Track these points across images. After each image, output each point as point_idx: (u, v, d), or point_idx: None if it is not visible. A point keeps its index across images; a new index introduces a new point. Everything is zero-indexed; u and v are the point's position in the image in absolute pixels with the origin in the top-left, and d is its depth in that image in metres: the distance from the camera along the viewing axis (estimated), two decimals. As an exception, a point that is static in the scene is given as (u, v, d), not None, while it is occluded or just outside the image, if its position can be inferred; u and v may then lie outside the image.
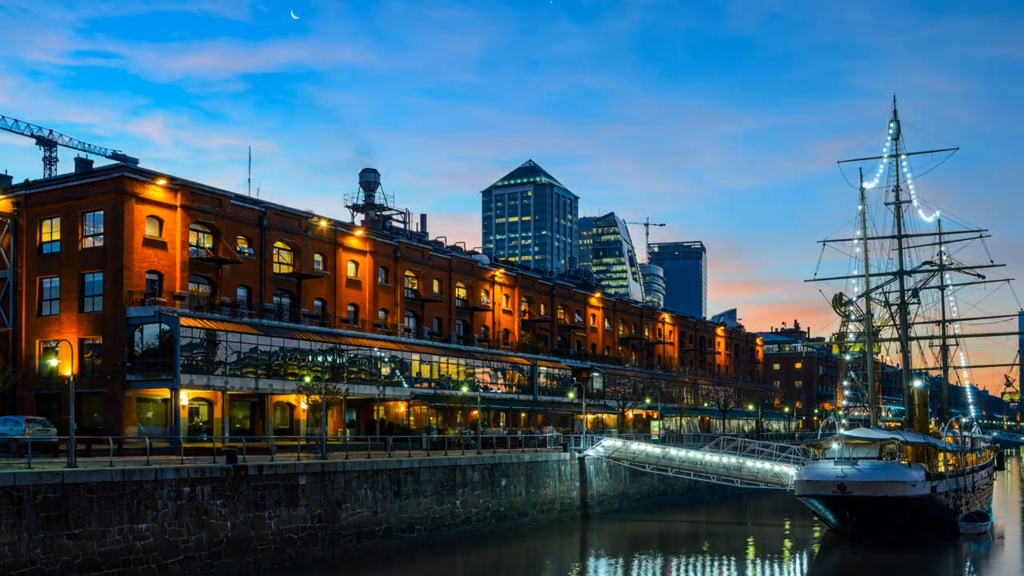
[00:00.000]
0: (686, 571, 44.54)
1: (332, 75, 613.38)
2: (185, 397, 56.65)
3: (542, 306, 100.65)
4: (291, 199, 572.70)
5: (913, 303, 69.02)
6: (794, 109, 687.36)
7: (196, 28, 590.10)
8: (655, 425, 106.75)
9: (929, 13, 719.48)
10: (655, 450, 66.23)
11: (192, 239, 61.40)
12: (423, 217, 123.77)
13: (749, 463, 60.66)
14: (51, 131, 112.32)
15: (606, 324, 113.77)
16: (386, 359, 70.76)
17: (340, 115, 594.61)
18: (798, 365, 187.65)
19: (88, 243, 58.51)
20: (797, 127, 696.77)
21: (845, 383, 73.02)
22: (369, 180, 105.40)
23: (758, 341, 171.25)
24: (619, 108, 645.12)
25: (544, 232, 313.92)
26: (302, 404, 63.30)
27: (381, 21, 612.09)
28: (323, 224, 70.57)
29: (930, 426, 68.78)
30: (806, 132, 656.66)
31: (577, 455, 63.20)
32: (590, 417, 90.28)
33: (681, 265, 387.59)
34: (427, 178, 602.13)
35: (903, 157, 67.14)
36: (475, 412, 74.21)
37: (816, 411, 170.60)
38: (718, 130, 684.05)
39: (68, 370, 47.93)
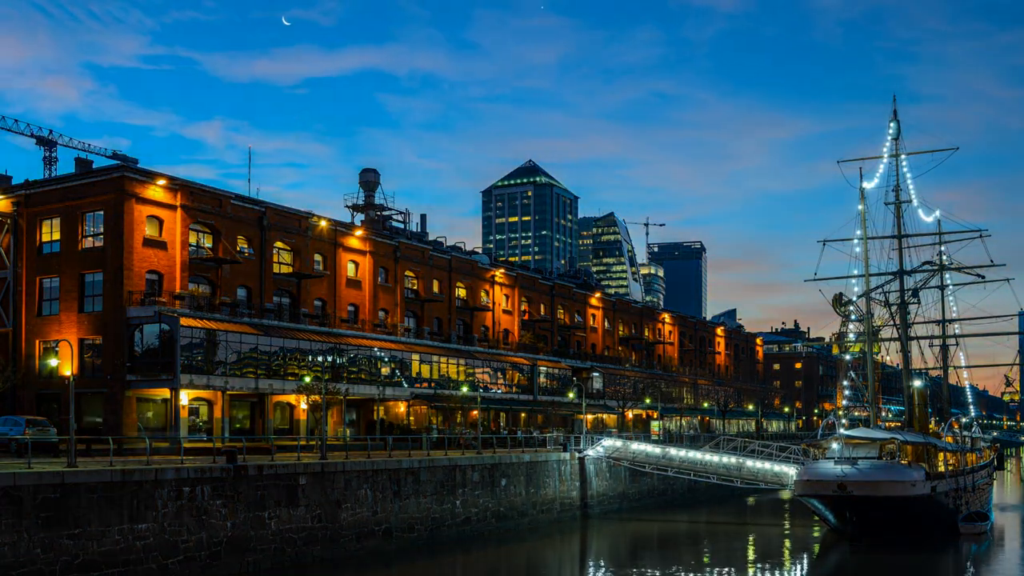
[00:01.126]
0: (686, 571, 44.52)
1: (404, 81, 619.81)
2: (185, 397, 56.64)
3: (542, 306, 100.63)
4: (334, 202, 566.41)
5: (913, 303, 69.04)
6: (849, 114, 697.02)
7: (279, 35, 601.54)
8: (655, 425, 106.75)
9: (1002, 21, 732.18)
10: (655, 450, 66.23)
11: (192, 239, 61.38)
12: (423, 217, 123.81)
13: (749, 463, 60.65)
14: (51, 131, 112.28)
15: (606, 324, 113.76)
16: (386, 359, 70.77)
17: (403, 120, 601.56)
18: (798, 365, 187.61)
19: (88, 243, 58.49)
20: (848, 132, 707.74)
21: (845, 383, 73.02)
22: (369, 180, 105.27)
23: (758, 341, 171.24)
24: (681, 113, 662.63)
25: (544, 232, 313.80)
26: (302, 404, 63.30)
27: (467, 30, 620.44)
28: (323, 224, 70.57)
29: (930, 426, 68.79)
30: (856, 137, 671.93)
31: (577, 455, 63.20)
32: (590, 417, 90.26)
33: (681, 265, 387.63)
34: (478, 181, 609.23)
35: (903, 157, 67.24)
36: (475, 412, 74.20)
37: (816, 411, 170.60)
38: (767, 134, 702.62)
39: (68, 370, 47.92)
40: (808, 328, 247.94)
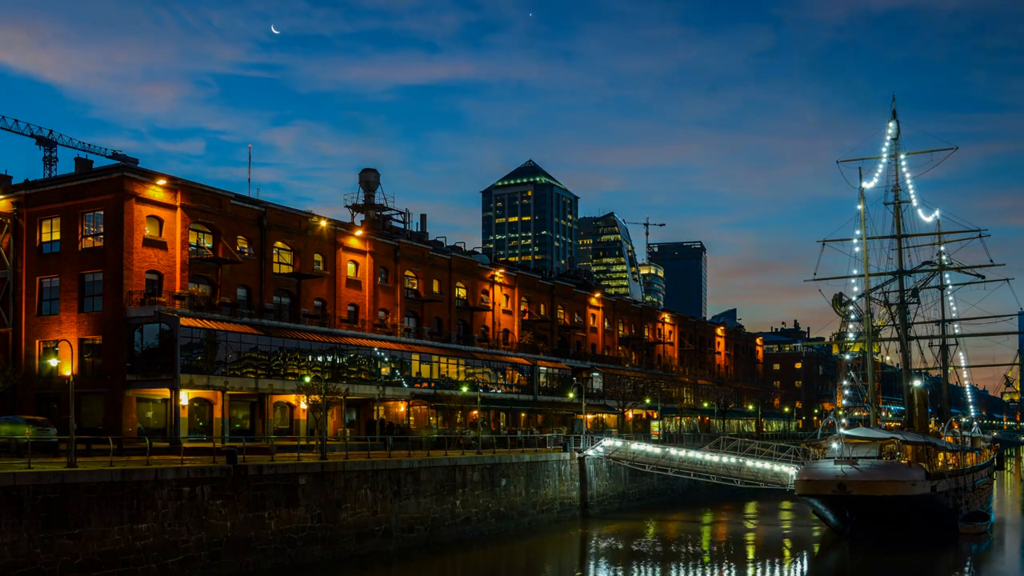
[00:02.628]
0: (686, 571, 44.54)
1: (495, 89, 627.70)
2: (185, 397, 56.64)
3: (542, 306, 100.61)
4: (399, 205, 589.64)
5: (913, 303, 69.04)
6: (916, 121, 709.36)
7: (386, 44, 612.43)
8: (655, 425, 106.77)
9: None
10: (655, 450, 66.24)
11: (192, 239, 61.38)
12: (423, 217, 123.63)
13: (749, 463, 60.65)
14: (51, 131, 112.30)
15: (606, 324, 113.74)
16: (386, 359, 70.77)
17: (482, 127, 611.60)
18: (798, 365, 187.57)
19: (88, 243, 58.49)
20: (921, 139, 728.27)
21: (845, 383, 73.03)
22: (369, 180, 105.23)
23: (758, 341, 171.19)
24: (767, 121, 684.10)
25: (544, 232, 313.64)
26: (302, 404, 63.31)
27: (572, 42, 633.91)
28: (323, 224, 70.56)
29: (930, 426, 68.78)
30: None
31: (577, 455, 63.19)
32: (590, 417, 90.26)
33: (681, 265, 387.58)
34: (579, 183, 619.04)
35: (902, 157, 67.22)
36: (475, 412, 74.20)
37: (816, 411, 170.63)
38: (817, 143, 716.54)
39: (68, 370, 47.96)
40: (808, 328, 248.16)
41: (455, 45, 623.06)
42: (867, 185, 66.21)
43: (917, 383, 68.39)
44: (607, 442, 66.76)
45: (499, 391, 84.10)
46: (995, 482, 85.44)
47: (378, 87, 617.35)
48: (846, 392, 72.55)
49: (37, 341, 59.74)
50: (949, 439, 69.65)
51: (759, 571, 45.19)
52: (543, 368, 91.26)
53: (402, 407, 73.16)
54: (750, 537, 57.68)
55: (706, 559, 48.61)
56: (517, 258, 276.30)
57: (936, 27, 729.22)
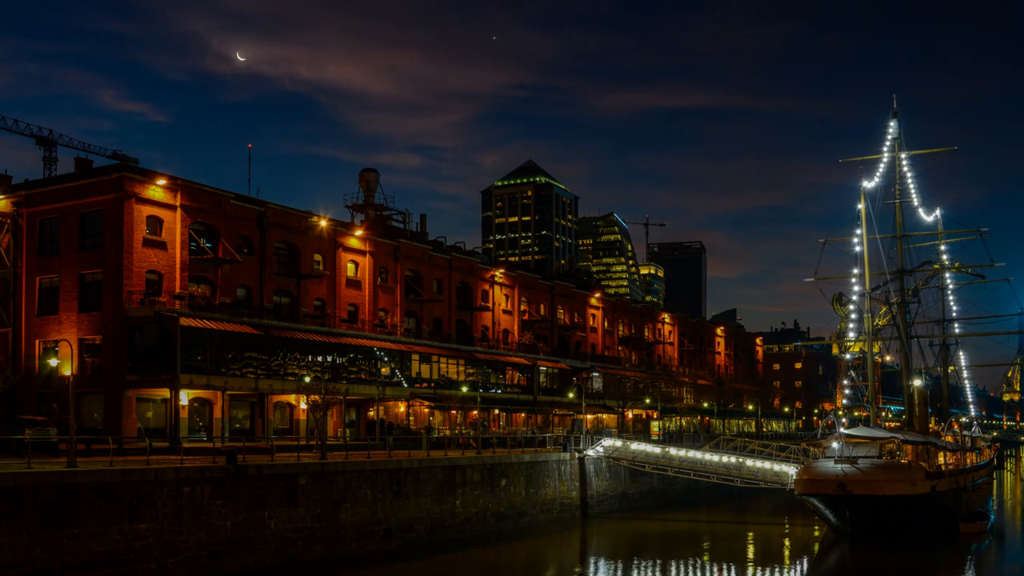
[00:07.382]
0: (686, 571, 44.53)
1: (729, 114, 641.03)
2: (185, 397, 56.64)
3: (542, 306, 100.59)
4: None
5: (913, 303, 69.02)
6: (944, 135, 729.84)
7: (664, 73, 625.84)
8: (655, 425, 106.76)
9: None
10: (655, 450, 66.22)
11: (192, 239, 61.37)
12: (423, 217, 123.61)
13: (749, 462, 60.64)
14: (51, 131, 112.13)
15: (606, 324, 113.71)
16: (385, 359, 70.77)
17: (717, 149, 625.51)
18: (798, 365, 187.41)
19: (88, 243, 58.50)
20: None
21: (845, 383, 73.01)
22: (369, 180, 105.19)
23: (758, 341, 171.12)
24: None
25: (544, 232, 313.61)
26: (302, 404, 63.30)
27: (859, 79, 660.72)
28: (323, 224, 70.55)
29: (930, 425, 68.76)
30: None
31: (577, 455, 63.17)
32: (590, 417, 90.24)
33: (681, 265, 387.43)
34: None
35: (903, 156, 67.17)
36: (475, 412, 74.19)
37: (816, 411, 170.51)
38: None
39: (68, 370, 47.95)
40: (808, 328, 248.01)
41: (739, 78, 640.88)
42: (868, 184, 66.19)
43: (917, 383, 68.35)
44: (607, 442, 66.74)
45: (499, 391, 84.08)
46: (995, 482, 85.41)
47: (620, 111, 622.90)
48: (846, 392, 72.51)
49: (37, 341, 59.73)
50: (949, 439, 69.62)
51: (759, 571, 45.17)
52: (543, 368, 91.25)
53: (402, 407, 73.15)
54: (750, 537, 57.66)
55: (706, 558, 48.62)
56: (517, 258, 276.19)
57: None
